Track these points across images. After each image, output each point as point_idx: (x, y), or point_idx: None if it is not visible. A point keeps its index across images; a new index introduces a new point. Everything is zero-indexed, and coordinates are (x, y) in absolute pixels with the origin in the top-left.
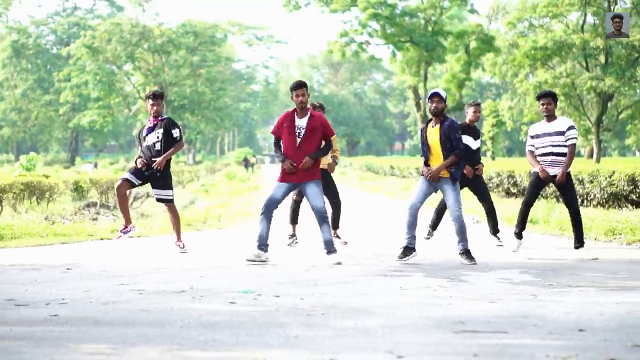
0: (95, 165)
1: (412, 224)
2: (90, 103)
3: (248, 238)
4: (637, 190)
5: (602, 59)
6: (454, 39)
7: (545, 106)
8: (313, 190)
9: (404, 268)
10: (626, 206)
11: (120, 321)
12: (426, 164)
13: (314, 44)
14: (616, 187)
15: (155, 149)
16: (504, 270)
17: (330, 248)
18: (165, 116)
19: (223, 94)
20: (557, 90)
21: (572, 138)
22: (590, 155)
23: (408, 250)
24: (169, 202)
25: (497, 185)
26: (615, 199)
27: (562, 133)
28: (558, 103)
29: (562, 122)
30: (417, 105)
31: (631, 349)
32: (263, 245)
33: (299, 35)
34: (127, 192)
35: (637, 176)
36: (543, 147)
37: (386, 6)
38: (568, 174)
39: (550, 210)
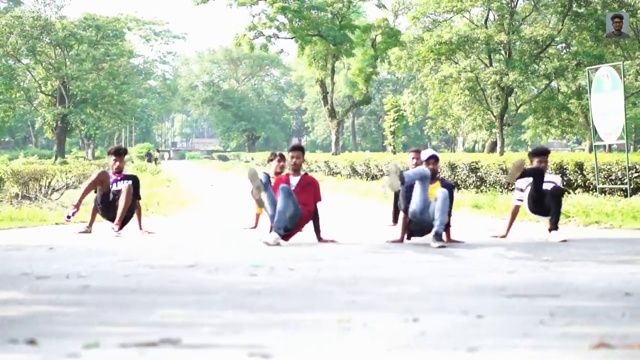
0: None
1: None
2: None
3: (207, 223)
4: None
5: (505, 53)
6: (360, 33)
7: (539, 164)
8: None
9: (387, 247)
10: None
11: (163, 290)
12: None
13: (215, 38)
14: None
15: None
16: (488, 247)
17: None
18: (128, 174)
19: (126, 89)
20: (461, 85)
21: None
22: (491, 150)
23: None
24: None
25: None
26: None
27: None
28: (463, 97)
29: (553, 179)
30: (324, 99)
31: None
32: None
33: (200, 31)
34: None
35: (565, 164)
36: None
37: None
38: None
39: (494, 196)
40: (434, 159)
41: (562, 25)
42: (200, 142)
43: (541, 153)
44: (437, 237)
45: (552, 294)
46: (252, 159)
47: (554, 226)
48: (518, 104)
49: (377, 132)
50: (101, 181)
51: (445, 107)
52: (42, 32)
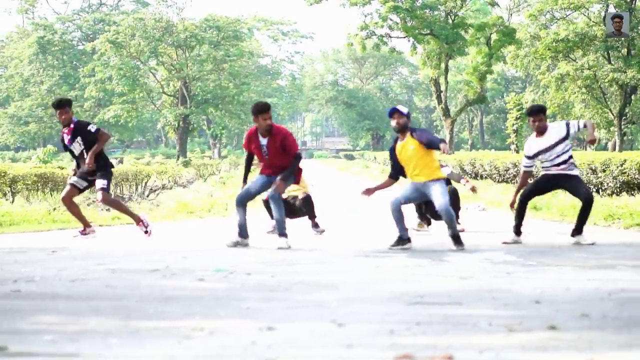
0: (121, 161)
1: (399, 218)
2: (115, 98)
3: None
4: None
5: (624, 51)
6: (474, 32)
7: (536, 123)
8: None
9: (390, 251)
10: (632, 194)
11: (79, 296)
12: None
13: (338, 38)
14: (627, 176)
15: (84, 157)
16: (490, 252)
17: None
18: (75, 120)
19: (246, 89)
20: (579, 83)
21: (577, 125)
22: (615, 148)
23: (402, 240)
24: (102, 191)
25: (514, 176)
26: (627, 187)
27: (564, 138)
28: (580, 95)
29: (556, 128)
30: (439, 97)
31: (578, 318)
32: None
33: (324, 30)
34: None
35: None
36: (550, 159)
37: None
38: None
39: (552, 197)
40: (397, 113)
41: None
42: (330, 141)
43: (539, 111)
44: (456, 239)
45: (458, 302)
46: (375, 158)
47: (578, 231)
48: None
49: (506, 130)
50: (69, 202)
51: (564, 105)
52: (164, 33)
